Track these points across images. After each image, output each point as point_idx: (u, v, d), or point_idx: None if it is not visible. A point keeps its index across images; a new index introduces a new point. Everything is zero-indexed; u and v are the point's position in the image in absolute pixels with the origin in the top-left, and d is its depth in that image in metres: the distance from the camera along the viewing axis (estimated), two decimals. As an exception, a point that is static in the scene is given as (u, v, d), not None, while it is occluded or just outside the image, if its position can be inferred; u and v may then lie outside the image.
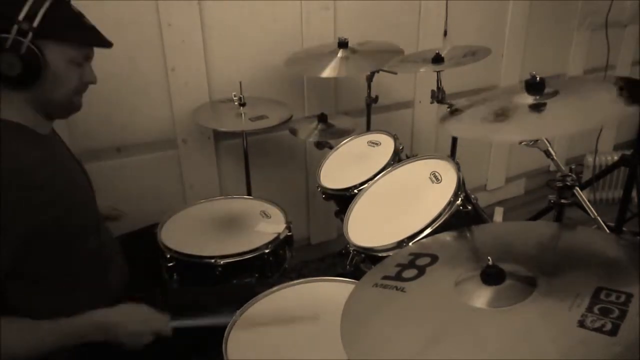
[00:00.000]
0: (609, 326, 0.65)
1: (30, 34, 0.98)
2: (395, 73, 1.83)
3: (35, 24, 0.98)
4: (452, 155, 2.01)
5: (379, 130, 1.73)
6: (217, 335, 1.04)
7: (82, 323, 1.01)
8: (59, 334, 0.99)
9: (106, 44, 1.11)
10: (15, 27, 0.97)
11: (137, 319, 1.08)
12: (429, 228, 1.18)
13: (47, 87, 1.04)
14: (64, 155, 1.19)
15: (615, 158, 2.69)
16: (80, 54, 1.08)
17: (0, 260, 0.94)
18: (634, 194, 2.05)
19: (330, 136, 1.87)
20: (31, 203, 0.97)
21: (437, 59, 1.67)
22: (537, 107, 1.09)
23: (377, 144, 1.68)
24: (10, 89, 1.03)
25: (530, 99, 1.11)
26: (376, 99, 2.04)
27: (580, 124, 1.05)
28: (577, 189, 1.25)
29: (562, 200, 1.25)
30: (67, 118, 1.15)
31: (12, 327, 0.95)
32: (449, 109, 1.28)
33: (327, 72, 1.77)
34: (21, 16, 0.97)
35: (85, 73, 1.11)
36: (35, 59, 1.00)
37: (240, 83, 1.78)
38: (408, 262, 0.96)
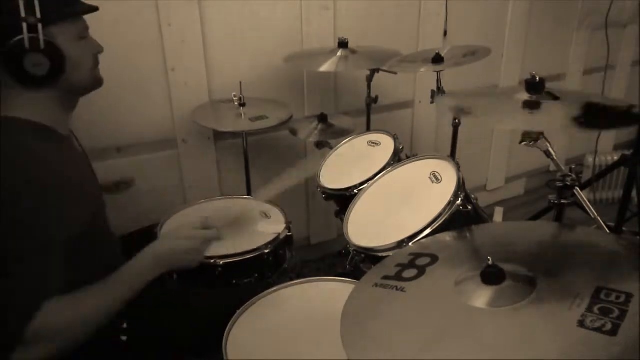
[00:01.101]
0: (609, 326, 0.65)
1: (40, 26, 0.96)
2: (395, 73, 1.83)
3: (38, 14, 0.96)
4: (452, 155, 2.01)
5: (379, 130, 1.73)
6: (217, 335, 1.04)
7: (141, 264, 1.05)
8: (124, 283, 1.02)
9: (94, 8, 1.09)
10: (25, 25, 0.95)
11: (184, 238, 1.13)
12: (429, 228, 1.18)
13: (70, 73, 1.02)
14: (80, 157, 1.18)
15: (615, 158, 2.70)
16: (81, 27, 1.06)
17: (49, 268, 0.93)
18: (634, 194, 2.05)
19: (330, 136, 1.87)
20: (62, 208, 0.96)
21: (437, 59, 1.67)
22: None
23: (377, 144, 1.68)
24: (38, 90, 1.01)
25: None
26: (376, 99, 2.04)
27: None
28: (577, 189, 1.24)
29: (562, 200, 1.25)
30: (89, 93, 1.14)
31: (85, 297, 0.97)
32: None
33: (326, 67, 1.77)
34: (22, 12, 0.95)
35: (93, 45, 1.10)
36: (56, 50, 0.99)
37: (240, 83, 1.78)
38: (408, 262, 0.96)
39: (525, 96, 1.14)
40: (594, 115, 1.07)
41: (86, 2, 1.09)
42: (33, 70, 0.97)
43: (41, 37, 0.97)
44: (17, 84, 0.99)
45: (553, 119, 1.08)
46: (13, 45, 0.95)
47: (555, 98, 1.12)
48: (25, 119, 1.01)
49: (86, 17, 1.09)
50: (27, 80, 0.99)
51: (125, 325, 1.14)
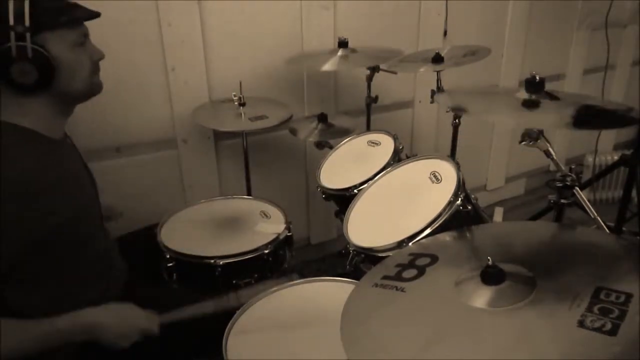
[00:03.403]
0: (608, 326, 0.65)
1: (28, 35, 0.96)
2: (395, 73, 1.83)
3: (27, 22, 0.95)
4: (452, 155, 2.01)
5: (379, 130, 1.73)
6: (217, 336, 1.04)
7: (64, 324, 0.98)
8: (41, 334, 0.96)
9: (95, 14, 1.08)
10: (12, 33, 0.95)
11: (122, 319, 1.05)
12: (429, 228, 1.18)
13: (64, 80, 1.02)
14: (72, 161, 1.17)
15: (615, 158, 2.69)
16: (78, 33, 1.05)
17: None
18: (634, 194, 2.05)
19: (330, 136, 1.87)
20: (31, 211, 0.96)
21: (437, 59, 1.67)
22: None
23: (377, 143, 1.68)
24: (30, 96, 1.01)
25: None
26: (376, 99, 2.04)
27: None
28: (577, 189, 1.24)
29: (562, 200, 1.25)
30: (89, 100, 1.13)
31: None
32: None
33: (327, 67, 1.77)
34: (11, 21, 0.94)
35: (92, 51, 1.09)
36: (44, 59, 0.98)
37: (240, 83, 1.78)
38: (408, 262, 0.96)
39: (524, 95, 1.14)
40: (591, 116, 1.07)
41: (87, 7, 1.08)
42: (20, 79, 0.98)
43: (29, 45, 0.96)
44: (8, 91, 1.00)
45: (551, 118, 1.08)
46: (0, 54, 0.95)
47: (555, 98, 1.12)
48: (13, 123, 1.01)
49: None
50: (15, 87, 0.99)
51: None
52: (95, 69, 1.10)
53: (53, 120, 1.07)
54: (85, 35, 1.08)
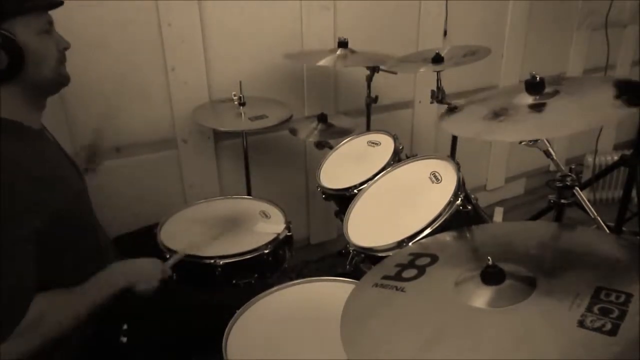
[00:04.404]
0: (608, 326, 0.65)
1: None
2: (395, 73, 1.83)
3: None
4: (452, 155, 2.01)
5: (379, 130, 1.73)
6: (217, 336, 1.04)
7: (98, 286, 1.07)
8: (84, 300, 1.04)
9: (58, 3, 1.07)
10: None
11: (143, 274, 1.17)
12: (429, 228, 1.18)
13: (32, 68, 1.01)
14: (53, 151, 1.16)
15: (615, 158, 2.69)
16: (43, 21, 1.04)
17: (26, 263, 0.94)
18: (634, 194, 2.05)
19: (330, 136, 1.87)
20: (30, 199, 0.95)
21: (437, 59, 1.67)
22: (536, 107, 1.09)
23: (377, 144, 1.68)
24: (1, 84, 1.00)
25: (529, 99, 1.11)
26: (376, 99, 2.04)
27: (581, 124, 1.04)
28: (577, 189, 1.24)
29: (562, 200, 1.25)
30: (58, 92, 1.13)
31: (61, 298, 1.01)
32: (448, 107, 1.29)
33: (325, 62, 1.78)
34: None
35: (58, 39, 1.08)
36: (14, 45, 0.97)
37: (240, 83, 1.78)
38: (408, 262, 0.96)
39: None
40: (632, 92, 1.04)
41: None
42: None
43: None
44: None
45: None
46: None
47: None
48: None
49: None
50: None
51: (125, 327, 1.14)
52: (62, 58, 1.09)
53: (28, 110, 1.06)
54: (50, 22, 1.07)
